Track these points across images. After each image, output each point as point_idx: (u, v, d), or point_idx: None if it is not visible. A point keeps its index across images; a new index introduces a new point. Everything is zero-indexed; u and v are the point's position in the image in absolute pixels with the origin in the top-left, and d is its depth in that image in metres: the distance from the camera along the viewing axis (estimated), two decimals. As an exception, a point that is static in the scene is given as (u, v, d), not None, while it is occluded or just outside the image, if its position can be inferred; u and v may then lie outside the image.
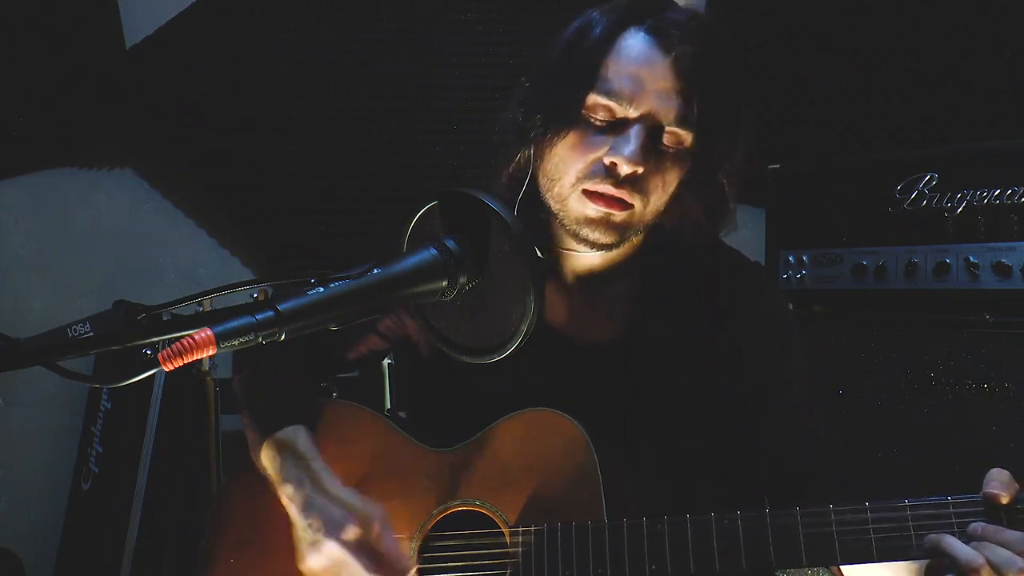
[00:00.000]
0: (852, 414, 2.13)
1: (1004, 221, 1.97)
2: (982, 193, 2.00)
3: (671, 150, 1.44)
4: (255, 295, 1.94)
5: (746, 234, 2.75)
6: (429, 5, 3.01)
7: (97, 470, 2.85)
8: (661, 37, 1.41)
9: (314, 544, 1.40)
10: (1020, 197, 1.95)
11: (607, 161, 1.41)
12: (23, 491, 3.07)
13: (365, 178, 3.04)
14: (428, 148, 2.97)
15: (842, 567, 1.38)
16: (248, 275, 3.11)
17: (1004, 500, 1.23)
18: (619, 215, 1.44)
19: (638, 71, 1.41)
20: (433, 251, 1.14)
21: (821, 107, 2.75)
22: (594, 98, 1.42)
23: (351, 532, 1.38)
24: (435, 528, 1.52)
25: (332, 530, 1.38)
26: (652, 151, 1.41)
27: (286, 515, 1.54)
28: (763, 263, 2.31)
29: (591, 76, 1.43)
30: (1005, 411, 1.94)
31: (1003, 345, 1.96)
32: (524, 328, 1.15)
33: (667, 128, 1.41)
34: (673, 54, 1.40)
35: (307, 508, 1.43)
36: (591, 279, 1.61)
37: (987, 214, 2.00)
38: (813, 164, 2.38)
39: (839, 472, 1.60)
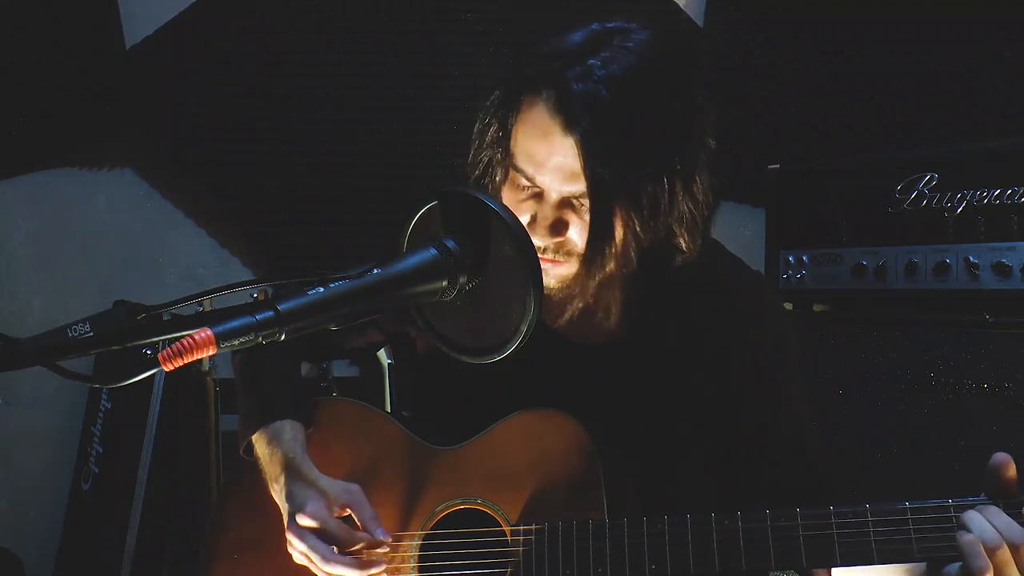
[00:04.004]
0: (852, 414, 2.12)
1: (1004, 221, 1.97)
2: (982, 193, 2.00)
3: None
4: (255, 295, 1.94)
5: (746, 234, 2.77)
6: (429, 5, 3.01)
7: (97, 470, 2.85)
8: (561, 112, 1.38)
9: (288, 527, 1.54)
10: (1020, 197, 1.95)
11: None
12: (23, 491, 3.07)
13: (365, 178, 3.03)
14: (428, 148, 2.97)
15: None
16: (248, 275, 3.11)
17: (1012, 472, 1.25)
18: (555, 270, 1.44)
19: (538, 149, 1.41)
20: (433, 251, 1.14)
21: (821, 107, 2.74)
22: (511, 166, 1.45)
23: (316, 511, 1.51)
24: (437, 525, 1.53)
25: (301, 510, 1.52)
26: (570, 218, 1.42)
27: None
28: (763, 263, 2.32)
29: (507, 146, 1.45)
30: (1005, 411, 1.94)
31: (1003, 345, 1.96)
32: (524, 328, 1.15)
33: (575, 199, 1.41)
34: (573, 132, 1.37)
35: (288, 498, 1.56)
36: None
37: (987, 214, 1.99)
38: (813, 164, 2.37)
39: (838, 474, 1.59)
